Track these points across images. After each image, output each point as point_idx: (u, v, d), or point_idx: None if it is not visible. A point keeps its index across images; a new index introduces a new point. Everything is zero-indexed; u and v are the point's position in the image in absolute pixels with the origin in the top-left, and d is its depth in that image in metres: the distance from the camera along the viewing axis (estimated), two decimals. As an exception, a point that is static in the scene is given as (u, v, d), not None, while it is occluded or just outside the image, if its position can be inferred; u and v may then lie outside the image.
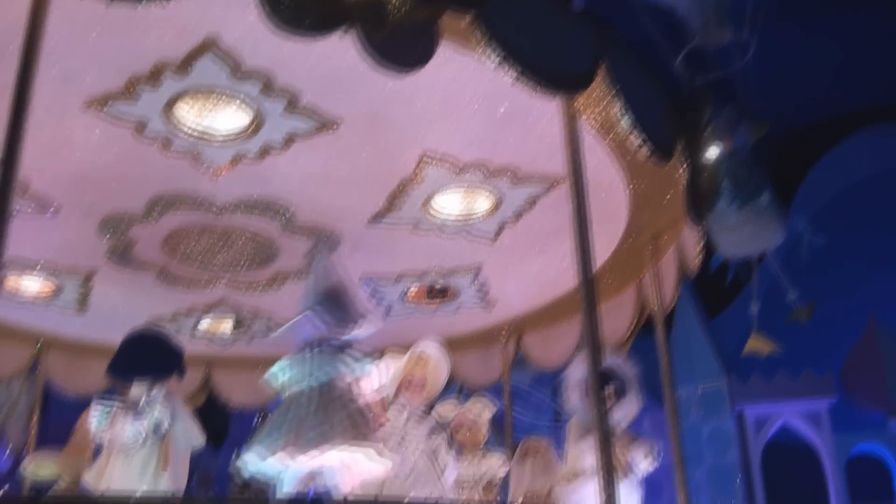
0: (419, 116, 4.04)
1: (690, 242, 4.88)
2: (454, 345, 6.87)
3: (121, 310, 6.25)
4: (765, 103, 4.80)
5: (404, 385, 4.63)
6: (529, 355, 6.86)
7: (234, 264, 5.50)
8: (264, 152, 4.29)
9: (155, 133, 4.11)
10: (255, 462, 3.79)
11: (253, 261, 5.48)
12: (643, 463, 4.71)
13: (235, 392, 7.58)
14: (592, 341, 3.32)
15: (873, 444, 11.47)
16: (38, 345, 6.77)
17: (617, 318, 5.92)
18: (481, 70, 3.37)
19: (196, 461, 4.98)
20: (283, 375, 3.99)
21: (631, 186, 4.47)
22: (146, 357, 4.76)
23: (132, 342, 4.81)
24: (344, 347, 4.03)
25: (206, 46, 3.49)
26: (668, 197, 4.57)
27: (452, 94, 3.85)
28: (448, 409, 5.35)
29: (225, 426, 11.97)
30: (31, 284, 5.87)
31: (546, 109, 3.72)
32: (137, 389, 4.61)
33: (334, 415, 3.80)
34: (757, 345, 8.98)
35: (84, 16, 3.28)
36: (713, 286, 9.50)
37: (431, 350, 4.74)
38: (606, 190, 4.38)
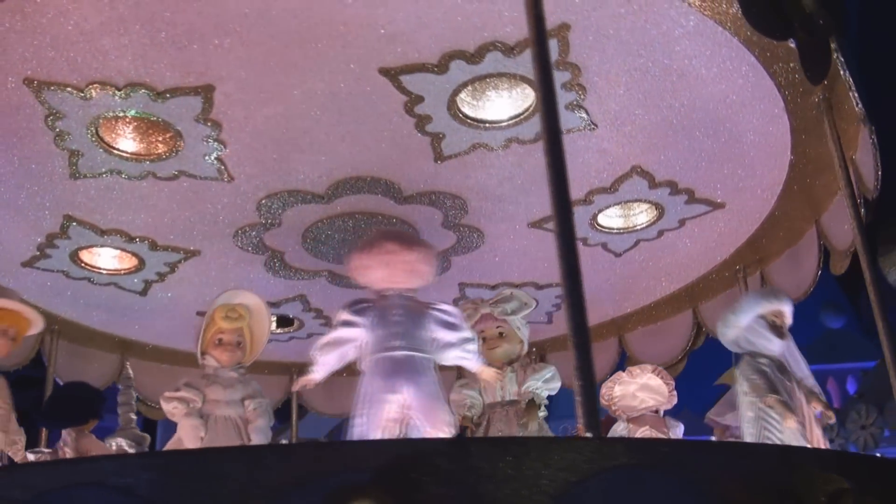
0: (643, 131, 4.34)
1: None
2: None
3: (181, 301, 5.80)
4: None
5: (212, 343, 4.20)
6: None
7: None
8: (507, 144, 4.36)
9: (425, 111, 4.06)
10: None
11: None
12: None
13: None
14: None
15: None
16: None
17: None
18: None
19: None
20: None
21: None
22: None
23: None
24: None
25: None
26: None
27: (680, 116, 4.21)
28: None
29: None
30: (106, 257, 5.33)
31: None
32: None
33: None
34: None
35: None
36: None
37: (251, 301, 4.34)
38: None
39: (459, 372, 4.79)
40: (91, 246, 5.13)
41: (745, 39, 3.68)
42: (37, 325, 4.49)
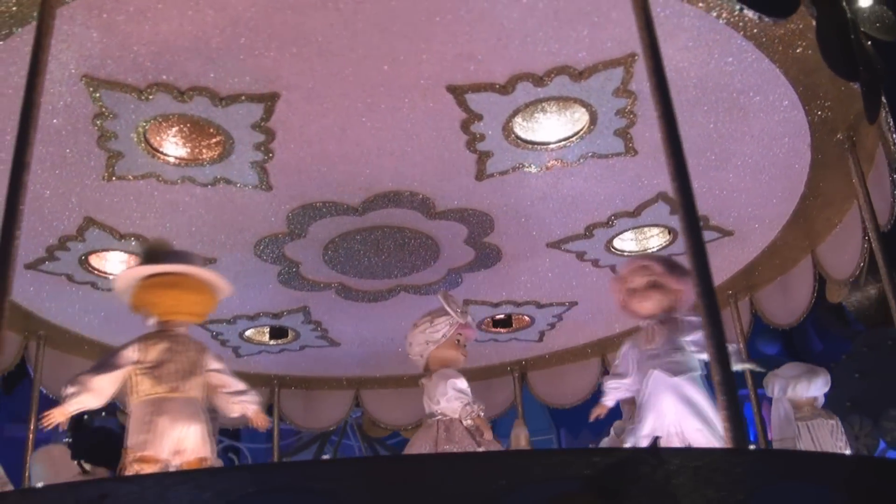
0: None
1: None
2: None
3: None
4: None
5: None
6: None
7: (378, 268, 5.36)
8: (549, 165, 4.47)
9: (480, 129, 4.13)
10: None
11: (394, 269, 5.40)
12: None
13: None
14: None
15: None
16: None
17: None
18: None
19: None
20: None
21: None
22: None
23: None
24: None
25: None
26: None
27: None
28: None
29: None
30: (115, 262, 5.18)
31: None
32: None
33: None
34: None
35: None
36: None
37: None
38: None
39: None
40: (104, 250, 4.99)
41: (793, 78, 3.90)
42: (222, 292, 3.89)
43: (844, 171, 4.54)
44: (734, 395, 2.46)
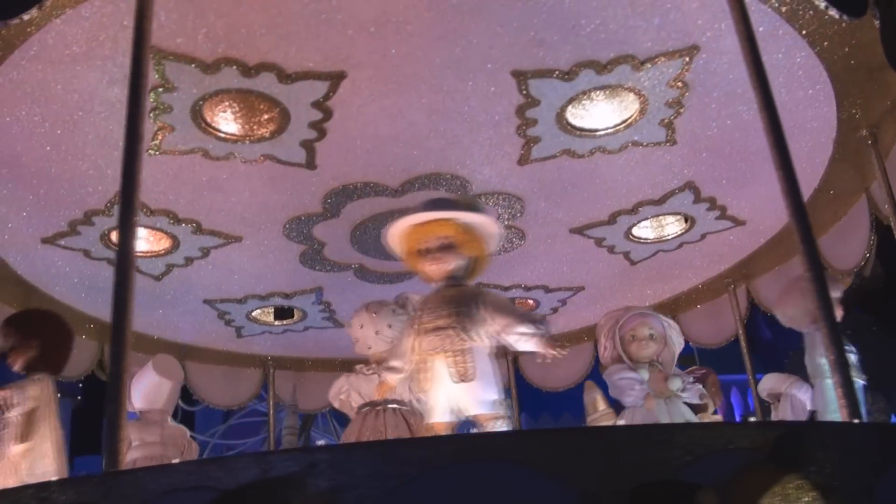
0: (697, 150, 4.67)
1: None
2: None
3: (192, 288, 5.63)
4: None
5: None
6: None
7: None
8: (591, 153, 4.56)
9: (534, 114, 4.20)
10: None
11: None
12: None
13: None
14: None
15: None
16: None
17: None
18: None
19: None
20: None
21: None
22: None
23: None
24: None
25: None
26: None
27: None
28: None
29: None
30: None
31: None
32: None
33: None
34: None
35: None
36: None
37: None
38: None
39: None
40: (129, 225, 4.88)
41: (834, 75, 4.08)
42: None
43: (857, 165, 4.77)
44: (848, 374, 2.61)
